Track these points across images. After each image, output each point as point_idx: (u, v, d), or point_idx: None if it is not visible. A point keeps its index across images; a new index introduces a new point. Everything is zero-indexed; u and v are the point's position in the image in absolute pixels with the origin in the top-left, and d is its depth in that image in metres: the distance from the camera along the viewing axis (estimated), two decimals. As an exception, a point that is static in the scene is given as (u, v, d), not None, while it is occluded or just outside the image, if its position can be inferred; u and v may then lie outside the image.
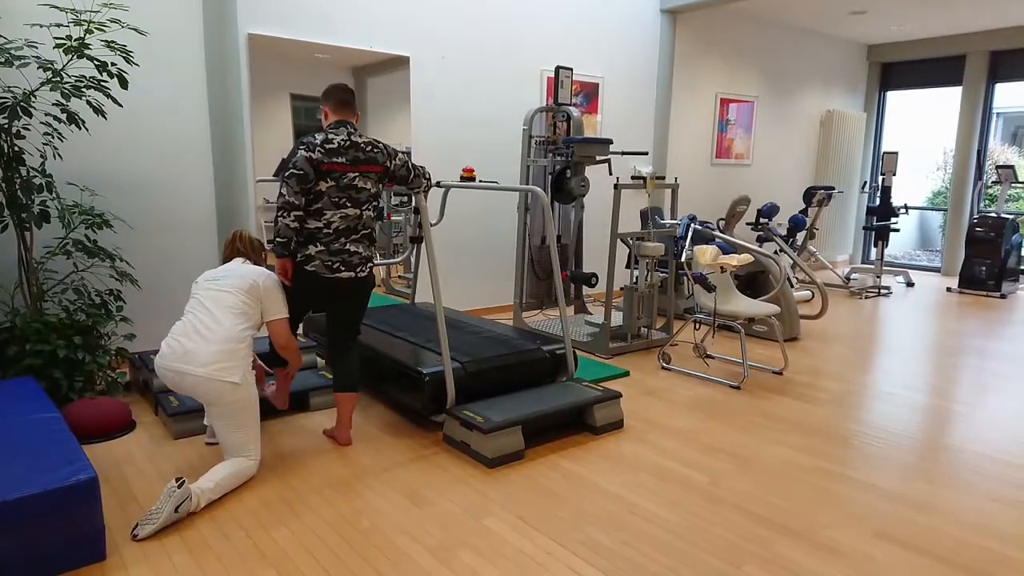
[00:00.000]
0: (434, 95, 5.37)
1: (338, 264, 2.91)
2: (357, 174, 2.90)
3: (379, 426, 3.45)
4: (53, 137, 3.51)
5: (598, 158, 5.11)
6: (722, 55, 7.55)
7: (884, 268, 7.97)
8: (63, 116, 3.40)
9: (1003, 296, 7.33)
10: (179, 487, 2.45)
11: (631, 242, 4.61)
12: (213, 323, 2.71)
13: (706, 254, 4.13)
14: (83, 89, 3.38)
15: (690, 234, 4.22)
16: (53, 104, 3.40)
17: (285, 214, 2.80)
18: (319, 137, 2.83)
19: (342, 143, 2.85)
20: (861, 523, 2.56)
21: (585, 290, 6.09)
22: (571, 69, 5.15)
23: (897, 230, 7.96)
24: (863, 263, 9.90)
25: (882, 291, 7.51)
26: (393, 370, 3.45)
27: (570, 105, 5.15)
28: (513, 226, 6.01)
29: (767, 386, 4.15)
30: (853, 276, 8.29)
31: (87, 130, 3.39)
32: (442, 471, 2.93)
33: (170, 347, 2.71)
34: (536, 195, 3.74)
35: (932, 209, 9.94)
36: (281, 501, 2.66)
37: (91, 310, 3.58)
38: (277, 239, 2.83)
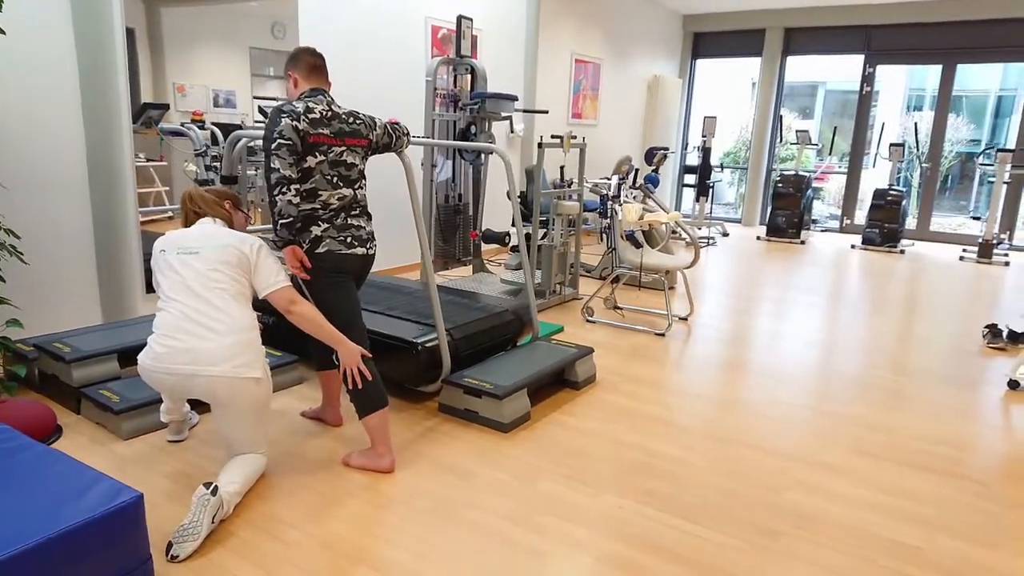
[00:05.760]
0: (323, 36, 4.91)
1: (350, 239, 2.61)
2: (344, 148, 2.61)
3: (355, 402, 3.21)
4: None
5: (502, 114, 5.09)
6: (577, 15, 7.79)
7: (703, 221, 8.96)
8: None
9: (803, 242, 8.64)
10: (212, 494, 2.12)
11: (552, 201, 4.70)
12: (217, 312, 2.27)
13: (632, 212, 4.35)
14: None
15: (623, 193, 4.42)
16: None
17: (284, 190, 2.41)
18: (300, 105, 2.48)
19: (324, 113, 2.54)
20: (842, 445, 2.97)
21: (483, 248, 6.07)
22: (471, 19, 5.00)
23: (712, 187, 8.98)
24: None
25: (710, 241, 8.45)
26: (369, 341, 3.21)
27: (471, 57, 5.03)
28: (403, 185, 5.76)
29: (683, 332, 4.54)
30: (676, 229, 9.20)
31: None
32: (459, 441, 2.85)
33: (165, 347, 2.24)
34: (499, 155, 3.65)
35: (740, 168, 11.31)
36: (310, 491, 2.41)
37: (-33, 293, 2.85)
38: (281, 221, 2.45)
